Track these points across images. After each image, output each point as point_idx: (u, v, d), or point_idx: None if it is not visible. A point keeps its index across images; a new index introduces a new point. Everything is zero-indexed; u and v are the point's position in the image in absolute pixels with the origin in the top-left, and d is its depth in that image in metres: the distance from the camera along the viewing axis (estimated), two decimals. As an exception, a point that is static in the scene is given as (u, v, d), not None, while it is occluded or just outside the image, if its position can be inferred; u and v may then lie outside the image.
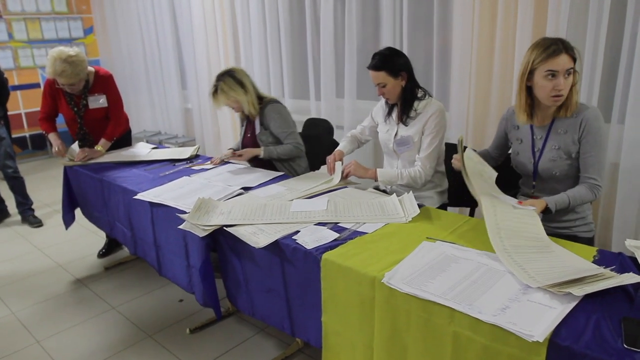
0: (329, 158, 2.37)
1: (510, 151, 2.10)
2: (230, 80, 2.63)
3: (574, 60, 1.74)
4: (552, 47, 1.74)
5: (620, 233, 2.49)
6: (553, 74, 1.74)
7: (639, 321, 1.14)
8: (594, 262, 1.44)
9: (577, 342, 1.07)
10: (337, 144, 2.57)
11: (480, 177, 1.88)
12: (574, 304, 1.19)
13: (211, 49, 4.69)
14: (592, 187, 1.82)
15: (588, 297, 1.22)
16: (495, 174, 1.95)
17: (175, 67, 5.22)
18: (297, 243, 1.67)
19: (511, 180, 2.13)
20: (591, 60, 2.42)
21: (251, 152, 2.71)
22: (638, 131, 2.35)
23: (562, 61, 1.72)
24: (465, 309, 1.21)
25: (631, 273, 1.20)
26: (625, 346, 1.06)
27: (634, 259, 1.45)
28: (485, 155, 2.21)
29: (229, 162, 2.84)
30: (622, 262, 1.45)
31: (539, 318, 1.14)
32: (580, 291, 1.17)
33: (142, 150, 3.20)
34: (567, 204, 1.80)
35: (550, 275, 1.26)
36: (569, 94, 1.80)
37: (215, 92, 2.65)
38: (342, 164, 2.36)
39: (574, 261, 1.38)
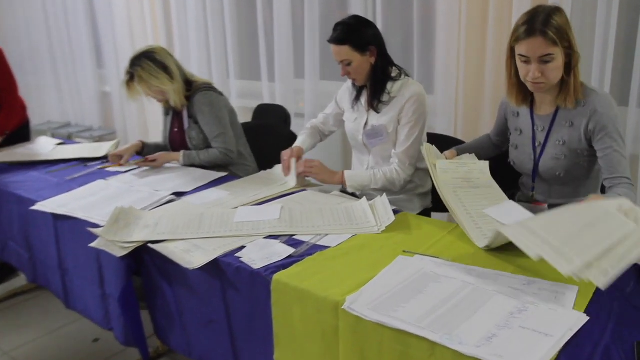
0: (285, 154, 2.39)
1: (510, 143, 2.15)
2: (149, 64, 2.60)
3: (557, 42, 1.74)
4: (524, 25, 1.76)
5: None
6: (526, 59, 1.79)
7: (654, 346, 1.19)
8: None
9: (581, 374, 1.12)
10: (295, 137, 2.59)
11: (468, 189, 1.91)
12: (575, 330, 1.23)
13: (134, 17, 4.63)
14: (632, 189, 1.78)
15: (594, 318, 1.26)
16: (485, 165, 1.99)
17: (88, 40, 5.12)
18: (242, 262, 1.66)
19: (508, 178, 2.18)
20: (603, 33, 2.51)
21: (167, 157, 2.71)
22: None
23: (533, 45, 1.75)
24: (442, 339, 1.22)
25: None
26: (639, 377, 1.10)
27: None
28: (485, 143, 2.27)
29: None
30: (639, 276, 1.51)
31: (532, 348, 1.16)
32: (603, 278, 1.22)
33: (44, 146, 3.15)
34: None
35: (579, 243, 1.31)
36: (567, 80, 1.82)
37: (130, 80, 2.62)
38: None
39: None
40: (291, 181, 2.32)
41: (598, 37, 2.53)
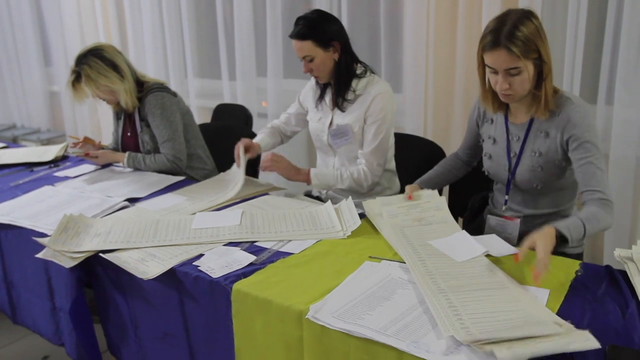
0: (236, 147, 2.37)
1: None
2: (97, 62, 2.56)
3: (522, 56, 1.71)
4: (490, 35, 1.74)
5: (612, 240, 2.67)
6: (493, 70, 1.78)
7: (626, 349, 1.22)
8: (577, 278, 1.54)
9: (553, 380, 1.14)
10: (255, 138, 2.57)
11: (418, 227, 1.90)
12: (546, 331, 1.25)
13: (84, 12, 4.58)
14: (606, 206, 1.73)
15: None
16: (442, 202, 1.98)
17: (34, 35, 5.05)
18: (200, 270, 1.66)
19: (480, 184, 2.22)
20: (574, 33, 2.58)
21: (111, 156, 2.71)
22: (631, 110, 2.54)
23: (498, 58, 1.74)
24: (409, 347, 1.24)
25: (590, 335, 1.22)
26: (610, 381, 1.13)
27: (624, 273, 1.55)
28: (452, 164, 2.26)
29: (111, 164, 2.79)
30: (610, 278, 1.54)
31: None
32: (508, 354, 1.15)
33: (-15, 151, 3.08)
34: (581, 229, 1.65)
35: (487, 324, 1.27)
36: (540, 92, 1.80)
37: (76, 80, 2.58)
38: (259, 158, 2.36)
39: (529, 306, 1.36)
40: (240, 177, 2.29)
41: (569, 37, 2.59)
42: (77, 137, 2.86)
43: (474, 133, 2.16)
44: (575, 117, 1.80)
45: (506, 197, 2.05)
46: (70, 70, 2.61)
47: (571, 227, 1.63)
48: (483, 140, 2.10)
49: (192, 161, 2.75)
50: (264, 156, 2.31)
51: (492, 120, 2.05)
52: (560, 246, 1.62)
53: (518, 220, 1.99)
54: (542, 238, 1.55)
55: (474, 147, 2.19)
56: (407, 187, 2.07)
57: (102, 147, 2.83)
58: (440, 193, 2.27)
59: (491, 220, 2.06)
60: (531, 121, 1.91)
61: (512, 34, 1.70)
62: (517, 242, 1.91)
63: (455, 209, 2.28)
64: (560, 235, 1.61)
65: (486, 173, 2.11)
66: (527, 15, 1.75)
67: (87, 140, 2.83)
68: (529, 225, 1.94)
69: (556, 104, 1.84)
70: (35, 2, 4.95)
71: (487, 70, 1.81)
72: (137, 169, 2.69)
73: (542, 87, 1.79)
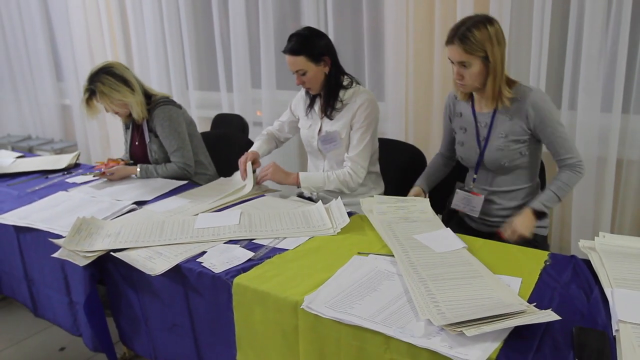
0: (241, 159, 2.38)
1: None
2: (109, 78, 2.54)
3: (469, 52, 1.88)
4: (450, 32, 1.92)
5: (577, 232, 2.69)
6: (451, 62, 1.96)
7: (590, 331, 1.24)
8: (546, 267, 1.56)
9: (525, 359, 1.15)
10: (252, 145, 2.58)
11: (404, 224, 1.91)
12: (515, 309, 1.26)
13: (92, 30, 4.55)
14: (573, 167, 1.97)
15: (537, 306, 1.30)
16: (425, 203, 2.03)
17: (46, 53, 5.01)
18: (203, 266, 1.66)
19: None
20: (539, 42, 2.60)
21: (124, 172, 2.66)
22: (592, 114, 2.56)
23: (451, 51, 1.92)
24: (396, 333, 1.25)
25: (549, 310, 1.24)
26: (577, 360, 1.14)
27: (588, 262, 1.57)
28: (439, 164, 2.35)
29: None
30: (576, 266, 1.57)
31: (479, 338, 1.20)
32: (475, 331, 1.19)
33: (3, 160, 3.08)
34: (556, 199, 1.96)
35: (461, 310, 1.29)
36: (489, 86, 1.94)
37: (90, 97, 2.56)
38: (260, 166, 2.37)
39: (501, 293, 1.39)
40: (249, 184, 2.31)
41: (534, 48, 2.61)
42: (102, 162, 2.79)
43: (449, 128, 2.27)
44: (537, 101, 1.94)
45: (475, 175, 2.15)
46: (83, 89, 2.58)
47: (544, 200, 1.94)
48: (456, 132, 2.20)
49: (195, 167, 2.75)
50: (258, 169, 2.34)
51: (461, 114, 2.16)
52: (541, 220, 1.97)
53: (482, 196, 2.12)
54: (522, 222, 1.89)
55: (452, 142, 2.27)
56: (412, 191, 2.20)
57: (127, 163, 2.78)
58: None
59: (459, 193, 2.20)
60: (495, 110, 2.03)
61: (464, 34, 1.88)
62: (479, 214, 2.14)
63: (435, 205, 2.30)
64: (538, 212, 1.92)
65: (460, 159, 2.22)
66: (484, 20, 1.90)
67: (111, 161, 2.76)
68: (491, 198, 2.13)
69: (516, 92, 1.97)
70: (47, 22, 4.92)
71: (450, 62, 1.98)
72: (149, 178, 2.67)
73: (487, 82, 1.94)
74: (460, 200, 2.19)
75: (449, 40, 1.91)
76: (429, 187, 2.28)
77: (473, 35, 1.87)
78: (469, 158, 2.15)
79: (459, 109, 2.16)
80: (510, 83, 1.99)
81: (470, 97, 2.11)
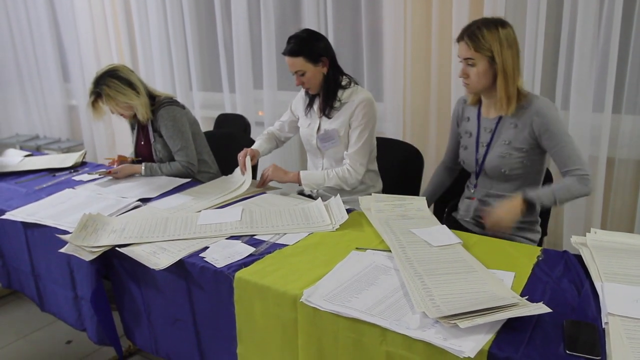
0: (240, 154, 2.39)
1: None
2: (114, 81, 2.54)
3: (475, 49, 1.87)
4: (460, 31, 1.93)
5: (569, 228, 2.70)
6: (460, 60, 1.96)
7: (581, 323, 1.24)
8: (538, 262, 1.56)
9: (516, 352, 1.15)
10: (253, 144, 2.58)
11: (401, 220, 1.92)
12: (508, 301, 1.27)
13: (98, 32, 4.55)
14: (581, 179, 1.84)
15: (529, 299, 1.31)
16: (422, 202, 2.03)
17: (53, 54, 5.01)
18: (206, 261, 1.66)
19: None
20: (534, 44, 2.60)
21: (129, 170, 2.66)
22: (584, 113, 2.56)
23: (460, 48, 1.93)
24: (392, 325, 1.26)
25: (540, 303, 1.26)
26: (567, 352, 1.15)
27: (580, 257, 1.58)
28: (443, 176, 2.33)
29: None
30: (567, 261, 1.57)
31: (473, 330, 1.20)
32: (468, 323, 1.20)
33: (11, 158, 3.08)
34: (552, 198, 1.84)
35: (456, 303, 1.30)
36: (497, 89, 1.91)
37: (95, 100, 2.56)
38: (257, 163, 2.37)
39: (494, 287, 1.39)
40: (247, 179, 2.31)
41: (529, 49, 2.61)
42: (112, 158, 2.81)
43: (455, 134, 2.23)
44: (542, 109, 1.90)
45: (476, 181, 2.12)
46: (89, 91, 2.57)
47: (541, 194, 1.86)
48: (461, 137, 2.17)
49: (199, 165, 2.75)
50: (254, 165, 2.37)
51: (468, 118, 2.13)
52: (529, 211, 1.87)
53: (476, 199, 2.11)
54: (507, 211, 1.85)
55: (456, 150, 2.24)
56: None
57: (134, 161, 2.79)
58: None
59: (465, 202, 2.17)
60: (501, 116, 1.99)
61: (473, 32, 1.88)
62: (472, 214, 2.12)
63: (437, 213, 2.34)
64: (528, 202, 1.84)
65: (462, 163, 2.18)
66: (496, 22, 1.90)
67: (120, 158, 2.79)
68: (489, 202, 2.07)
69: (525, 100, 1.93)
70: (54, 26, 4.92)
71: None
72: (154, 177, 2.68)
73: (494, 85, 1.92)
74: (464, 210, 2.17)
75: (459, 37, 1.92)
76: (430, 202, 2.29)
77: (482, 33, 1.86)
78: (470, 163, 2.11)
79: (467, 113, 2.14)
80: (521, 94, 1.94)
81: (478, 102, 2.08)
